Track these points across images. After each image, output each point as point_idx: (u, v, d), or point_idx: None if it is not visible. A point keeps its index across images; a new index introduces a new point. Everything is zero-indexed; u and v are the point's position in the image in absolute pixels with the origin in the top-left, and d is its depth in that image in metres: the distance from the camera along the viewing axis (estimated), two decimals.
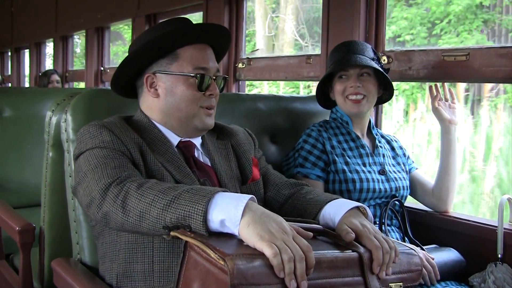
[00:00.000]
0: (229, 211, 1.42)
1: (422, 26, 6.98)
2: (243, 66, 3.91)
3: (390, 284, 1.60)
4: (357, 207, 1.74)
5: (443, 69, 2.68)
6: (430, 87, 2.66)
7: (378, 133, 2.62)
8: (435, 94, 2.63)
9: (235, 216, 1.42)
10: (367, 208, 1.77)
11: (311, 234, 1.52)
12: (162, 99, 1.89)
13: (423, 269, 2.16)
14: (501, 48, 2.49)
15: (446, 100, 2.62)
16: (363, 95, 2.45)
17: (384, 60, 2.93)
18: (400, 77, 2.89)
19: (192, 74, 1.87)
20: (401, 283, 1.63)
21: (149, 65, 1.89)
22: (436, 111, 2.60)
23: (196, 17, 4.60)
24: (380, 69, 2.44)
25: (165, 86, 1.88)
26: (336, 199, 1.81)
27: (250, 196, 1.47)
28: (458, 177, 2.62)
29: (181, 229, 1.45)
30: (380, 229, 2.36)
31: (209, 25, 2.03)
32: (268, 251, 1.35)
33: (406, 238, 2.44)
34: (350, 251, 1.56)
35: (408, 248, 1.73)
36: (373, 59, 2.48)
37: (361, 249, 1.57)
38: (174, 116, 1.90)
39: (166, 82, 1.88)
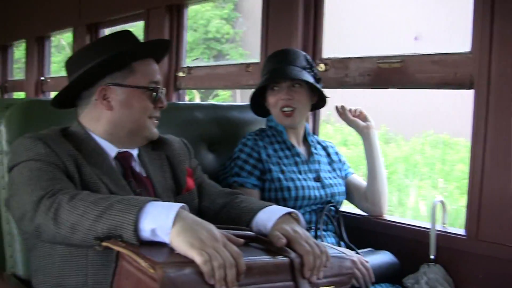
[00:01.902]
0: (160, 220, 1.44)
1: None
2: (184, 75, 3.92)
3: None
4: (289, 213, 1.77)
5: (378, 76, 2.75)
6: (336, 107, 2.72)
7: (314, 140, 2.67)
8: (341, 110, 2.70)
9: (166, 224, 1.43)
10: (299, 214, 1.80)
11: (242, 240, 1.54)
12: (116, 111, 1.89)
13: (358, 272, 2.22)
14: (434, 55, 2.57)
15: (355, 111, 2.70)
16: (294, 107, 2.49)
17: (321, 68, 2.99)
18: (337, 84, 2.94)
19: (150, 87, 1.90)
20: (332, 287, 1.67)
21: (102, 78, 1.90)
22: (351, 122, 2.69)
23: (137, 27, 4.59)
24: (310, 79, 2.48)
25: (120, 99, 1.88)
26: (269, 206, 1.84)
27: (181, 204, 1.49)
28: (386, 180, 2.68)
29: (113, 239, 1.46)
30: (316, 234, 2.40)
31: (161, 40, 2.06)
32: (198, 259, 1.37)
33: (341, 243, 2.48)
34: (281, 256, 1.59)
35: (339, 252, 1.77)
36: (305, 68, 2.51)
37: (292, 254, 1.60)
38: (125, 128, 1.90)
39: (121, 94, 1.88)
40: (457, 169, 7.37)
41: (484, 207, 2.32)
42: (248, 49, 12.40)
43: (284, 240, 1.63)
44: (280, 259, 1.58)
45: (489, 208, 2.30)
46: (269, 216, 1.77)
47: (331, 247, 1.81)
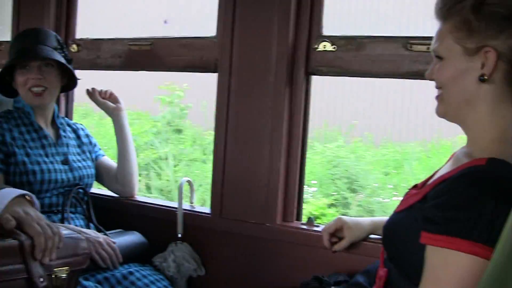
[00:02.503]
0: None
1: None
2: None
3: (54, 269, 1.61)
4: (23, 196, 1.72)
5: (129, 58, 2.76)
6: (87, 90, 2.70)
7: (63, 123, 2.60)
8: (92, 92, 2.69)
9: None
10: (33, 196, 1.76)
11: None
12: None
13: (104, 253, 2.22)
14: (182, 38, 2.63)
15: (105, 93, 2.70)
16: (45, 87, 2.41)
17: (73, 49, 2.92)
18: (90, 66, 2.90)
19: None
20: (67, 267, 1.65)
21: None
22: (100, 104, 2.68)
23: None
24: (61, 60, 2.42)
25: None
26: (2, 189, 1.77)
27: None
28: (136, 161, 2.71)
29: None
30: (62, 217, 2.36)
31: None
32: None
33: (91, 225, 2.46)
34: (11, 239, 1.54)
35: (74, 233, 1.75)
36: (56, 49, 2.45)
37: (23, 237, 1.56)
38: None
39: None
40: None
41: (227, 186, 2.43)
42: None
43: (13, 222, 1.58)
44: (9, 242, 1.53)
45: (231, 187, 2.42)
46: (0, 199, 1.70)
47: (65, 228, 1.79)
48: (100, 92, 2.68)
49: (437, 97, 1.52)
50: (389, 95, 7.34)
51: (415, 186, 1.60)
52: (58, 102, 2.82)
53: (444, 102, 1.49)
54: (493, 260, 0.96)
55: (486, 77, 1.39)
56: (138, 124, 7.14)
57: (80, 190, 2.48)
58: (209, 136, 7.89)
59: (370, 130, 7.11)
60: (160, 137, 7.20)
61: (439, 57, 1.48)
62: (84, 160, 2.56)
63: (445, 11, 1.45)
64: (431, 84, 1.53)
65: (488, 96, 1.41)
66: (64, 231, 1.68)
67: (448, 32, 1.44)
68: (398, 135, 7.23)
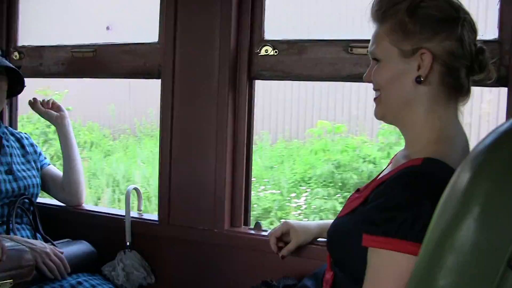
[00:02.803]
0: None
1: None
2: None
3: None
4: None
5: (72, 65, 2.73)
6: (29, 101, 2.65)
7: (6, 132, 2.56)
8: (34, 102, 2.65)
9: None
10: None
11: None
12: None
13: (52, 263, 2.19)
14: (125, 45, 2.61)
15: (47, 102, 2.66)
16: None
17: (15, 56, 2.88)
18: (33, 73, 2.86)
19: None
20: (11, 280, 1.63)
21: None
22: (44, 114, 2.64)
23: None
24: (12, 66, 2.39)
25: None
26: None
27: None
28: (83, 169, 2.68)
29: None
30: (8, 228, 2.32)
31: None
32: None
33: (38, 235, 2.43)
34: None
35: (18, 244, 1.73)
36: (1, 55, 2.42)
37: None
38: None
39: None
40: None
41: (174, 193, 2.43)
42: None
43: None
44: None
45: (178, 194, 2.43)
46: None
47: (9, 240, 1.76)
48: (42, 102, 2.64)
49: (375, 99, 1.55)
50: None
51: (357, 190, 1.62)
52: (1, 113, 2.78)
53: (382, 104, 1.52)
54: (419, 256, 1.00)
55: (422, 79, 1.43)
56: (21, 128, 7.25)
57: (26, 200, 2.44)
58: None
59: None
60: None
61: (376, 59, 1.51)
62: (29, 169, 2.52)
63: (380, 14, 1.49)
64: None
65: (425, 97, 1.45)
66: (8, 243, 1.66)
67: (385, 35, 1.47)
68: None
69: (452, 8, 1.46)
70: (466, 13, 1.48)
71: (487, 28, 1.95)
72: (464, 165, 1.01)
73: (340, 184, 6.01)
